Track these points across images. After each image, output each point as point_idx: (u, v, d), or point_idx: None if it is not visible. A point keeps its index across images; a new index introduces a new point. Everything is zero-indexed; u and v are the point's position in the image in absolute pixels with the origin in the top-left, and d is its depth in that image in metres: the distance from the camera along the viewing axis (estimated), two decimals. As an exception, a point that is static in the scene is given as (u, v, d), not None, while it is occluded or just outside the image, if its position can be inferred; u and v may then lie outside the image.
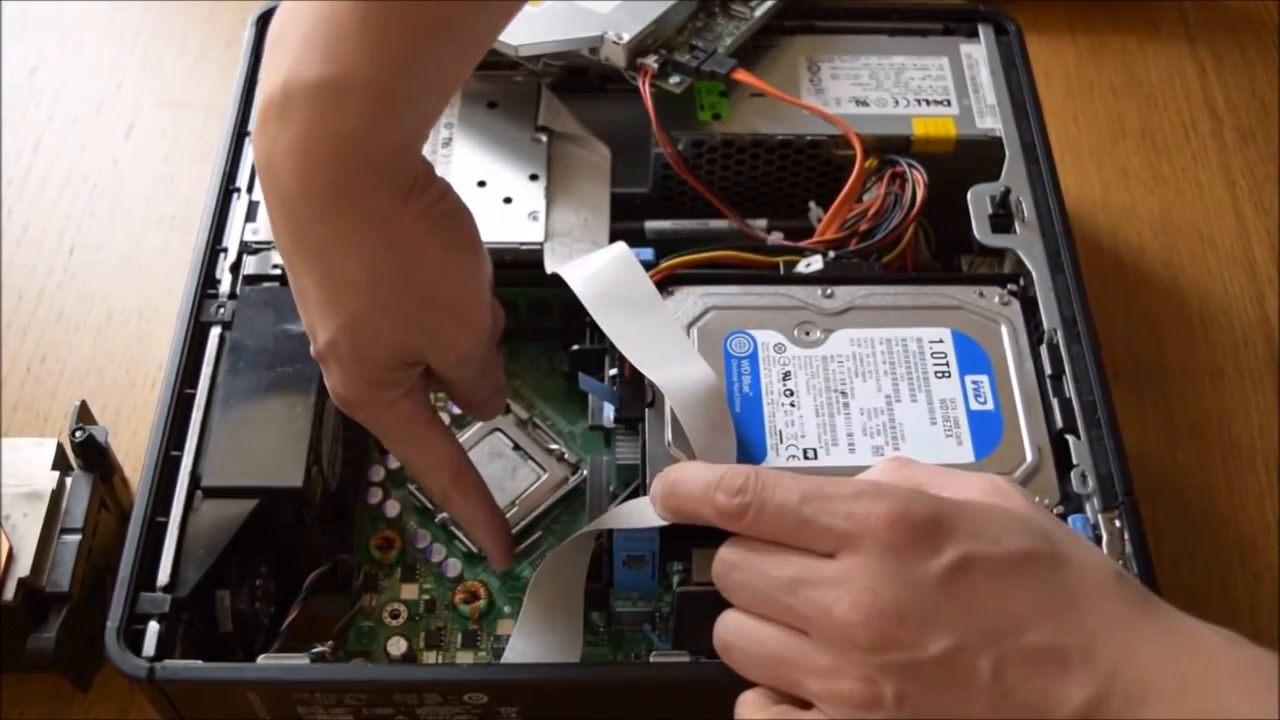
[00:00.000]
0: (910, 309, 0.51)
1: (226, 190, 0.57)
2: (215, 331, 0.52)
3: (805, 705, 0.39)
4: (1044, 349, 0.51)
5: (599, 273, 0.50)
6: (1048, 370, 0.50)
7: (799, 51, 0.62)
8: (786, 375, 0.49)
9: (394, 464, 0.57)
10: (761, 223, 0.60)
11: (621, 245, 0.51)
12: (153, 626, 0.45)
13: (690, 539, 0.45)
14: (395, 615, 0.53)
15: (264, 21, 0.61)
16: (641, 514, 0.45)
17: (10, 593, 0.48)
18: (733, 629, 0.41)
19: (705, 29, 0.60)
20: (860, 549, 0.38)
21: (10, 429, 0.60)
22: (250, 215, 0.56)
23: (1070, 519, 0.46)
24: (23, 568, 0.49)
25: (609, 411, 0.51)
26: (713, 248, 0.54)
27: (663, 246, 0.55)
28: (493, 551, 0.51)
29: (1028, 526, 0.39)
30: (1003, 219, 0.55)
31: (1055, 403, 0.49)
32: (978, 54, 0.63)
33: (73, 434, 0.52)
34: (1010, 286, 0.52)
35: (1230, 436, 0.61)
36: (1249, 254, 0.68)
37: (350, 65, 0.39)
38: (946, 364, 0.50)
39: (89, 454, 0.52)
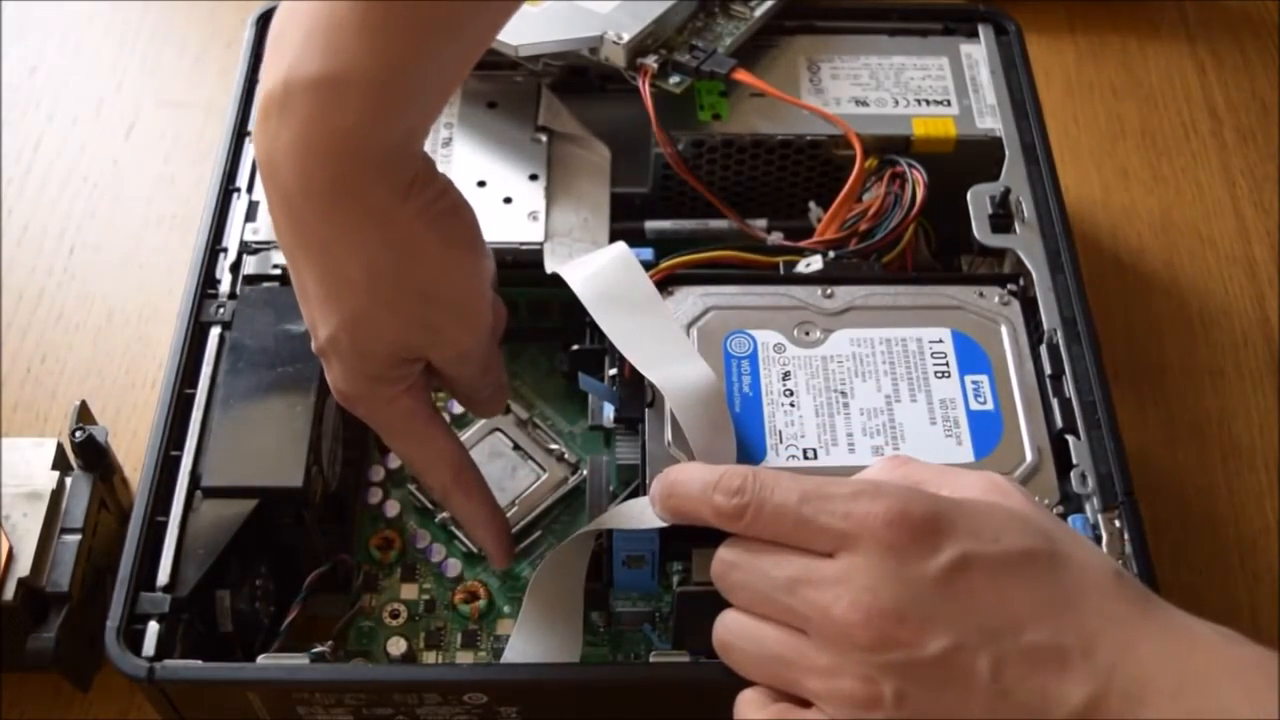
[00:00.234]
0: (910, 309, 0.51)
1: (226, 190, 0.57)
2: (215, 331, 0.52)
3: (805, 704, 0.39)
4: (1044, 349, 0.51)
5: (599, 273, 0.50)
6: (1048, 370, 0.50)
7: (799, 51, 0.62)
8: (786, 375, 0.49)
9: (394, 464, 0.57)
10: (761, 223, 0.60)
11: (621, 245, 0.51)
12: (153, 626, 0.45)
13: (690, 539, 0.45)
14: (395, 615, 0.53)
15: (264, 21, 0.61)
16: (641, 514, 0.45)
17: (10, 593, 0.48)
18: (732, 629, 0.41)
19: (705, 29, 0.60)
20: (859, 548, 0.38)
21: (10, 429, 0.60)
22: (250, 215, 0.56)
23: (1070, 519, 0.46)
24: (23, 568, 0.49)
25: (609, 411, 0.51)
26: (713, 248, 0.54)
27: (663, 246, 0.55)
28: (493, 551, 0.51)
29: (1027, 525, 0.39)
30: (1003, 219, 0.55)
31: (1055, 403, 0.49)
32: (978, 54, 0.63)
33: (73, 434, 0.52)
34: (1010, 286, 0.52)
35: (1230, 436, 0.61)
36: (1249, 254, 0.68)
37: (350, 62, 0.39)
38: (946, 364, 0.50)
39: (89, 454, 0.52)
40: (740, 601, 0.41)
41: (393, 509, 0.55)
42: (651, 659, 0.46)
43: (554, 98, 0.60)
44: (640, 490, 0.46)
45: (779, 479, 0.40)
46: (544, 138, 0.59)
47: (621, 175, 0.59)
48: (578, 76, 0.61)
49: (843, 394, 0.49)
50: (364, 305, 0.43)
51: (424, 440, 0.48)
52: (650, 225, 0.61)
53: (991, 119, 0.60)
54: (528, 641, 0.48)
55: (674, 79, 0.58)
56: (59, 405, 0.62)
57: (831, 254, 0.54)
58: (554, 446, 0.57)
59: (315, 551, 0.51)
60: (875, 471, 0.43)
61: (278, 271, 0.55)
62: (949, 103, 0.60)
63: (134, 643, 0.45)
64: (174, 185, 0.70)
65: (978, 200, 0.56)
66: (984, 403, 0.49)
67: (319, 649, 0.48)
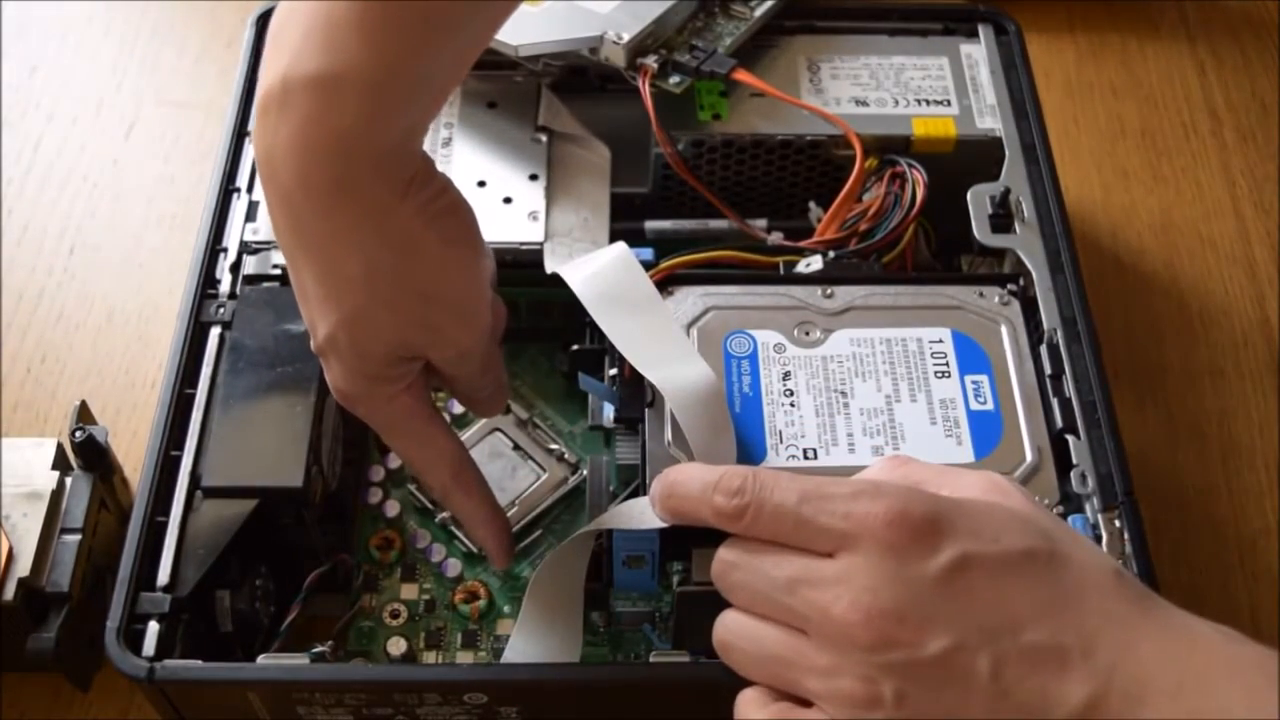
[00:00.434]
0: (910, 309, 0.51)
1: (226, 190, 0.57)
2: (215, 331, 0.52)
3: (805, 704, 0.39)
4: (1044, 349, 0.51)
5: (599, 273, 0.50)
6: (1048, 370, 0.50)
7: (799, 51, 0.62)
8: (786, 375, 0.49)
9: (394, 464, 0.57)
10: (761, 223, 0.60)
11: (621, 245, 0.51)
12: (153, 626, 0.45)
13: (690, 539, 0.45)
14: (395, 615, 0.53)
15: (264, 21, 0.61)
16: (641, 514, 0.45)
17: (10, 593, 0.48)
18: (732, 629, 0.41)
19: (705, 29, 0.60)
20: (859, 548, 0.38)
21: (10, 429, 0.60)
22: (250, 215, 0.56)
23: (1070, 519, 0.46)
24: (23, 568, 0.49)
25: (609, 411, 0.51)
26: (713, 248, 0.54)
27: (663, 246, 0.55)
28: (493, 550, 0.51)
29: (1027, 525, 0.39)
30: (1003, 219, 0.55)
31: (1055, 403, 0.49)
32: (978, 54, 0.63)
33: (73, 434, 0.52)
34: (1010, 286, 0.52)
35: (1230, 436, 0.61)
36: (1249, 254, 0.68)
37: (348, 61, 0.39)
38: (946, 364, 0.50)
39: (89, 454, 0.52)
40: (740, 601, 0.41)
41: (393, 509, 0.55)
42: (651, 659, 0.46)
43: (554, 98, 0.60)
44: (640, 490, 0.46)
45: (779, 479, 0.40)
46: (544, 138, 0.59)
47: (621, 175, 0.59)
48: (578, 76, 0.61)
49: (843, 394, 0.49)
50: (363, 304, 0.43)
51: (424, 439, 0.48)
52: (650, 225, 0.61)
53: (991, 119, 0.60)
54: (528, 641, 0.48)
55: (674, 79, 0.58)
56: (59, 405, 0.62)
57: (831, 254, 0.54)
58: (554, 446, 0.57)
59: (315, 551, 0.51)
60: (875, 471, 0.43)
61: (278, 271, 0.55)
62: (949, 103, 0.60)
63: (134, 643, 0.45)
64: (174, 185, 0.70)
65: (978, 200, 0.56)
66: (984, 403, 0.49)
67: (319, 649, 0.48)
